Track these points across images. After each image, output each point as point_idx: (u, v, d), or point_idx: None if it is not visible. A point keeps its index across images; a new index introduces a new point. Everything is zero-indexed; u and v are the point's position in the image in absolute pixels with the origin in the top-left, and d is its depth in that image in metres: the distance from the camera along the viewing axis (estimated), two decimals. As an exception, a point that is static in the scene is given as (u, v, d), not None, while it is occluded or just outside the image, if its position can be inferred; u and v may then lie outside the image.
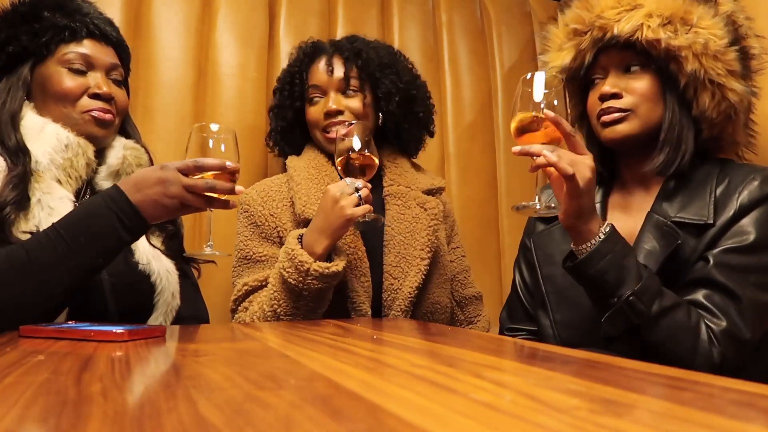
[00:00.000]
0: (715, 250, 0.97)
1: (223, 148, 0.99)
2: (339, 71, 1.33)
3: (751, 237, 0.96)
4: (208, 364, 0.58)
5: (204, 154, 0.97)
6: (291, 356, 0.64)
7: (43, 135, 1.03)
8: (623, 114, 1.06)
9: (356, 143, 1.13)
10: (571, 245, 0.97)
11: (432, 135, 1.48)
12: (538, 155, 0.89)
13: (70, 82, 1.06)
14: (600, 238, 0.93)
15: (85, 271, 0.89)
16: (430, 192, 1.38)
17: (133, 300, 1.04)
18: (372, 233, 1.30)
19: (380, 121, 1.37)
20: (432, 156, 1.82)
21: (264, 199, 1.30)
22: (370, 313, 1.22)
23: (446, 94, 1.93)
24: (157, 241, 1.13)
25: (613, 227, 0.95)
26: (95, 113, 1.07)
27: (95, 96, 1.07)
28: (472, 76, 1.96)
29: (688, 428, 0.34)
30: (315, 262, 1.09)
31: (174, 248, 1.16)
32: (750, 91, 1.08)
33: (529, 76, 0.94)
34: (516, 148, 0.92)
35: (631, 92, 1.06)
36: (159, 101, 1.57)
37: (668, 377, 0.50)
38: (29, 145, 1.01)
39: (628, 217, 1.09)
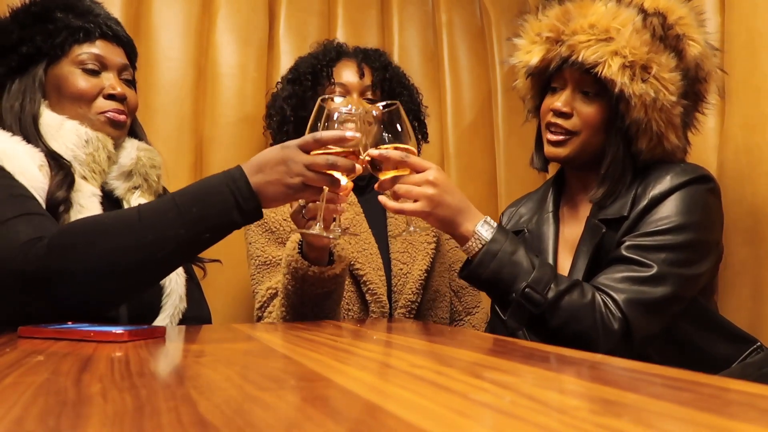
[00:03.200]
0: (627, 236, 1.02)
1: (348, 125, 0.93)
2: (368, 78, 1.41)
3: (663, 222, 1.00)
4: (209, 365, 0.58)
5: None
6: (291, 356, 0.63)
7: (63, 132, 1.03)
8: (565, 138, 1.10)
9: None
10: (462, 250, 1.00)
11: (427, 141, 1.59)
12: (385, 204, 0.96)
13: (84, 83, 1.06)
14: (484, 238, 0.96)
15: (190, 243, 0.86)
16: None
17: (142, 301, 1.04)
18: (377, 226, 1.34)
19: None
20: (432, 156, 1.82)
21: None
22: (388, 303, 1.26)
23: (446, 94, 1.93)
24: None
25: (498, 227, 0.98)
26: (110, 114, 1.07)
27: (110, 97, 1.08)
28: (472, 76, 1.96)
29: (688, 428, 0.34)
30: (310, 267, 1.05)
31: None
32: (685, 144, 1.13)
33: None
34: (380, 198, 0.97)
35: (580, 114, 1.09)
36: (159, 101, 1.57)
37: (668, 377, 0.50)
38: (50, 143, 1.01)
39: (578, 226, 1.14)
